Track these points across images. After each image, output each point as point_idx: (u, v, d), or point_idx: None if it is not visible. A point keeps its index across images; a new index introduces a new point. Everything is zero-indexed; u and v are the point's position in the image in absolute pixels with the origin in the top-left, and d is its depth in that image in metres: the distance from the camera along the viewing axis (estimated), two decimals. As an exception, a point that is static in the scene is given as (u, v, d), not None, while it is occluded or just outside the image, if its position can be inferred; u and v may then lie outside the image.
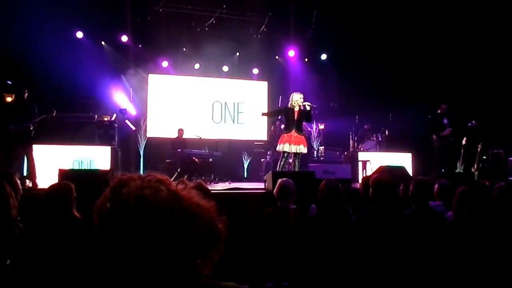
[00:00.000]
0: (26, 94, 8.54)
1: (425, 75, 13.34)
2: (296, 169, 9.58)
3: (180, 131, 12.77)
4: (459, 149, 11.08)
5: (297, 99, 9.63)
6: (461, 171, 10.80)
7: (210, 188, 7.25)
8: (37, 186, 8.08)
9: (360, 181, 8.61)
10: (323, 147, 13.52)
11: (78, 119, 11.29)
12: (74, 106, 12.31)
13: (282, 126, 11.27)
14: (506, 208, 4.41)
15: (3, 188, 3.44)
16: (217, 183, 11.50)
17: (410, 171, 10.95)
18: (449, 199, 4.27)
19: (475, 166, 10.86)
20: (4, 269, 3.13)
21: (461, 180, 7.32)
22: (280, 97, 11.00)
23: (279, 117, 12.41)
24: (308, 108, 9.64)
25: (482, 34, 12.45)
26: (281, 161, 9.68)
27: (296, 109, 9.63)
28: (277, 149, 9.89)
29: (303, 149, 9.61)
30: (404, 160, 12.20)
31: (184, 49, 14.78)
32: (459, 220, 3.80)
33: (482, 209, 3.67)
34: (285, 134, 9.67)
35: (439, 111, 11.38)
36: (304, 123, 10.32)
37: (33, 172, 8.29)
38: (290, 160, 9.92)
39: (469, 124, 11.34)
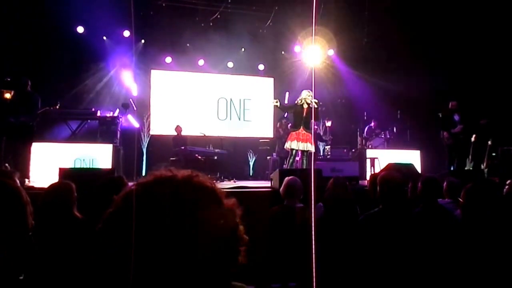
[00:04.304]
0: (29, 85, 8.48)
1: (435, 70, 13.13)
2: (304, 167, 9.51)
3: (178, 128, 12.55)
4: (468, 146, 10.96)
5: (305, 97, 9.68)
6: (471, 168, 10.69)
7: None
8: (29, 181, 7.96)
9: (368, 178, 8.51)
10: (329, 146, 13.32)
11: (80, 115, 11.18)
12: (76, 102, 12.24)
13: (289, 125, 11.17)
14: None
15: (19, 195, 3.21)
16: (223, 181, 11.46)
17: (418, 168, 10.87)
18: (458, 197, 4.30)
19: (485, 163, 10.74)
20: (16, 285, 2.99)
21: (470, 177, 7.26)
22: (287, 93, 10.81)
23: (285, 114, 12.32)
24: (315, 106, 9.52)
25: (494, 31, 12.28)
26: (289, 158, 9.73)
27: (305, 106, 9.55)
28: (285, 146, 9.93)
29: (310, 147, 9.64)
30: (412, 157, 12.13)
31: (188, 44, 14.55)
32: (466, 217, 3.82)
33: (490, 206, 3.66)
34: (293, 132, 9.73)
35: (449, 108, 11.22)
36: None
37: (27, 168, 8.16)
38: (298, 158, 9.84)
39: (481, 122, 11.19)
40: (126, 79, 13.57)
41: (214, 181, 1.18)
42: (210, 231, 1.03)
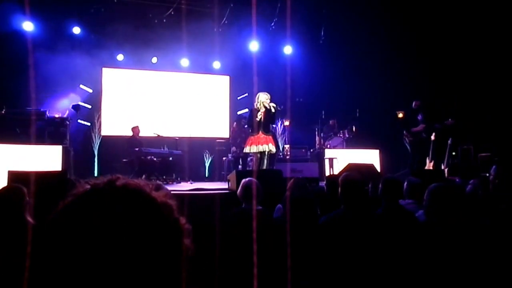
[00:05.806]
0: None
1: (395, 68, 13.12)
2: (264, 167, 9.30)
3: (135, 129, 12.13)
4: (429, 145, 10.98)
5: (263, 100, 9.36)
6: (430, 168, 10.71)
7: (171, 188, 6.99)
8: None
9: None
10: (288, 146, 13.19)
11: (27, 116, 10.64)
12: (23, 102, 11.68)
13: (246, 125, 10.99)
14: (479, 204, 4.60)
15: None
16: (179, 182, 11.36)
17: (378, 168, 10.91)
18: (419, 197, 4.38)
19: (445, 162, 10.78)
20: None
21: (430, 177, 7.34)
22: (246, 94, 10.62)
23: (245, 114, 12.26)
24: (273, 110, 9.35)
25: (458, 28, 12.31)
26: (257, 162, 9.45)
27: (262, 110, 9.31)
28: (244, 151, 9.72)
29: (271, 147, 9.36)
30: (371, 157, 12.10)
31: (140, 42, 14.13)
32: (430, 218, 3.78)
33: (454, 206, 3.59)
34: (252, 137, 9.45)
35: (413, 107, 11.22)
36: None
37: None
38: (255, 159, 9.71)
39: (447, 122, 11.22)
40: (77, 78, 13.06)
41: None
42: (147, 230, 0.96)
